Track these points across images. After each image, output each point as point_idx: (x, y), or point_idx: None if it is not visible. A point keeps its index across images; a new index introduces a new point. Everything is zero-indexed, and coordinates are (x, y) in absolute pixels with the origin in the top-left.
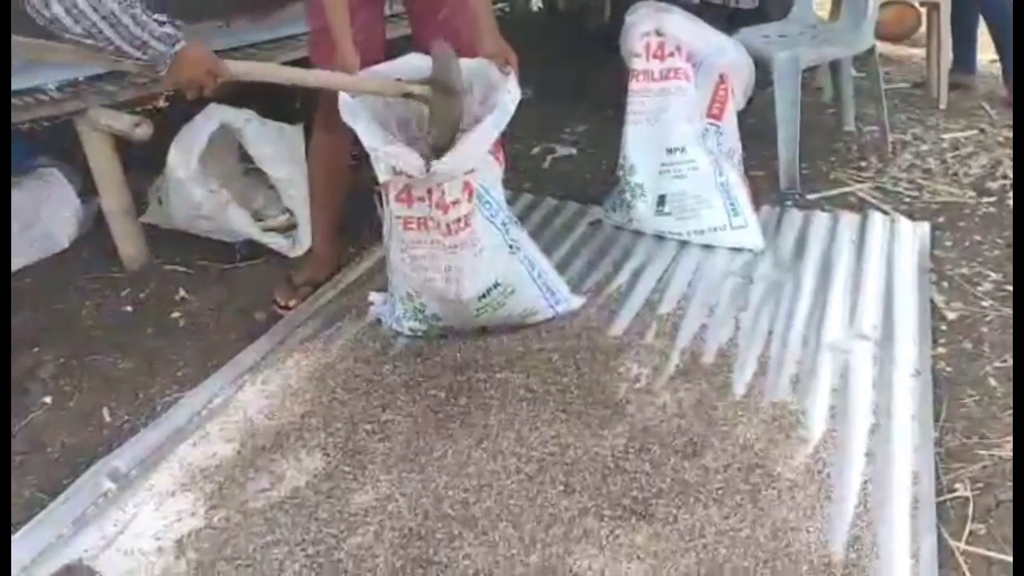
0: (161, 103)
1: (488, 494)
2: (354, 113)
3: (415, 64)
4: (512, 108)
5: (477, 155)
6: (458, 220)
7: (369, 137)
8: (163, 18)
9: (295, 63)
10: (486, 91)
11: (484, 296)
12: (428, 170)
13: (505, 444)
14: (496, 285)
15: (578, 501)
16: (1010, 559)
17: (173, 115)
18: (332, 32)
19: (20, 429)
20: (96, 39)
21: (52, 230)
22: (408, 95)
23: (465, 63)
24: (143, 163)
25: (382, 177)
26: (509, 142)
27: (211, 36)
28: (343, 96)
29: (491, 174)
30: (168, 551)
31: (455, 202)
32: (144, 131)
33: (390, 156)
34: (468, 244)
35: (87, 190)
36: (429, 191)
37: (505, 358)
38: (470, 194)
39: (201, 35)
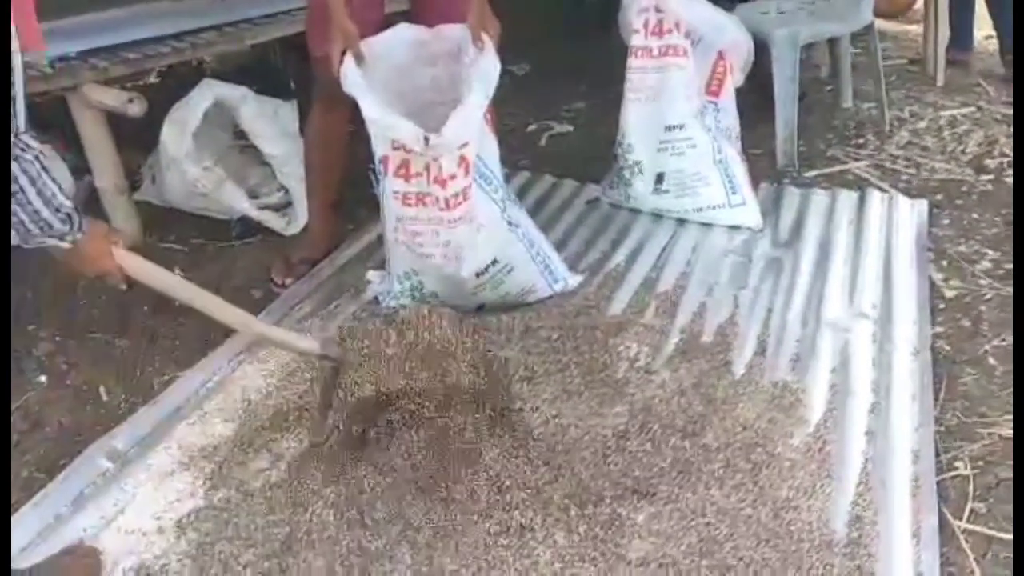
0: (153, 79)
1: (490, 473)
2: (357, 84)
3: (405, 36)
4: (494, 74)
5: (473, 125)
6: (456, 195)
7: (370, 108)
8: (66, 196)
9: (289, 38)
10: (474, 56)
11: (482, 273)
12: (427, 143)
13: (506, 424)
14: (495, 262)
15: (579, 481)
16: (1011, 537)
17: (166, 91)
18: (329, 5)
19: (16, 408)
20: None
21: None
22: (323, 357)
23: (457, 28)
24: (136, 140)
25: (380, 152)
26: (503, 118)
27: (208, 11)
28: (347, 68)
29: (487, 146)
30: (169, 531)
31: (452, 176)
32: (137, 107)
33: (390, 128)
34: (467, 218)
35: (80, 167)
36: (427, 166)
37: (505, 337)
38: (467, 168)
39: (197, 10)
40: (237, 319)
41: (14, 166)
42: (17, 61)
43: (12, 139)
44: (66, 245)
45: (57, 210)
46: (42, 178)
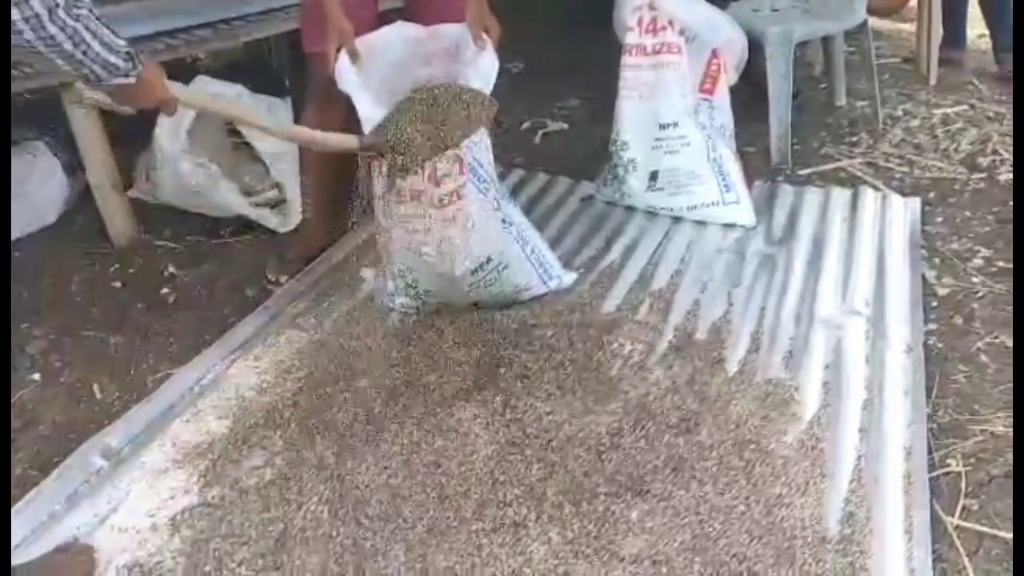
0: None
1: (484, 470)
2: (352, 82)
3: (400, 33)
4: (492, 73)
5: None
6: (450, 193)
7: (365, 107)
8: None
9: (284, 36)
10: (472, 54)
11: (476, 271)
12: None
13: (500, 421)
14: (488, 260)
15: (573, 478)
16: (1003, 534)
17: None
18: (324, 2)
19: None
20: (59, 56)
21: (39, 204)
22: (364, 148)
23: (454, 27)
24: (130, 137)
25: None
26: (499, 115)
27: (202, 8)
28: (341, 66)
29: (481, 144)
30: (163, 528)
31: (447, 175)
32: None
33: None
34: (460, 218)
35: (73, 164)
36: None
37: (500, 335)
38: (461, 166)
39: (191, 7)
40: (284, 130)
41: (78, 26)
42: None
43: (67, 4)
44: (131, 80)
45: (117, 52)
46: (99, 26)
